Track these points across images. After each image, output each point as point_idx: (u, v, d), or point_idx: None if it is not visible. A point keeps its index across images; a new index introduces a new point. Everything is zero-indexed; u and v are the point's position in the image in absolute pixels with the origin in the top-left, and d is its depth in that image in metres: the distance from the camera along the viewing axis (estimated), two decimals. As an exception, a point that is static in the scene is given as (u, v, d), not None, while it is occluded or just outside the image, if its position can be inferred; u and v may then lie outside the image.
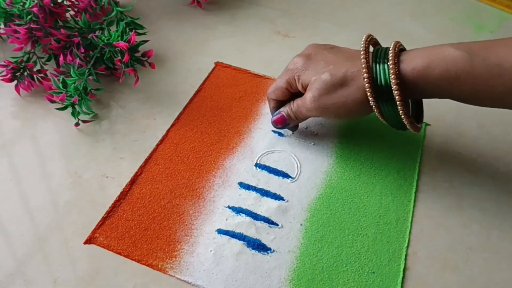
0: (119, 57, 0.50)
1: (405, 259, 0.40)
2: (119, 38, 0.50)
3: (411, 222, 0.43)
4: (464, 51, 0.37)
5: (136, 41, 0.51)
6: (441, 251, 0.41)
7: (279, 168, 0.46)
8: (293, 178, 0.46)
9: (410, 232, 0.42)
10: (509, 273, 0.40)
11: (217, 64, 0.57)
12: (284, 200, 0.44)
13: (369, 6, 0.68)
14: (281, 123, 0.47)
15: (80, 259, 0.39)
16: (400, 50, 0.40)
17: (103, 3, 0.55)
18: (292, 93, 0.46)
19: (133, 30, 0.54)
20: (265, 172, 0.46)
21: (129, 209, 0.43)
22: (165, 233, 0.41)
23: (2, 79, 0.51)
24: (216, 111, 0.52)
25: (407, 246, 0.41)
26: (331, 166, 0.47)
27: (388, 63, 0.39)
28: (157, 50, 0.58)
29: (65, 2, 0.55)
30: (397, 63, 0.38)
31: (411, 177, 0.46)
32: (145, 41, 0.55)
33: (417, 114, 0.44)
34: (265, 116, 0.51)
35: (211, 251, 0.40)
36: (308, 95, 0.42)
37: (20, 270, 0.38)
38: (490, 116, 0.52)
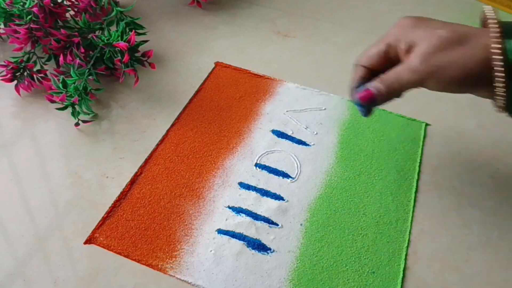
0: (119, 57, 0.50)
1: (405, 259, 0.40)
2: (119, 38, 0.50)
3: (411, 222, 0.43)
4: None
5: (136, 41, 0.51)
6: (441, 251, 0.41)
7: (279, 168, 0.46)
8: (293, 178, 0.46)
9: (410, 232, 0.42)
10: (509, 273, 0.40)
11: (217, 64, 0.57)
12: (284, 200, 0.44)
13: (369, 6, 0.68)
14: (367, 100, 0.37)
15: (80, 259, 0.39)
16: None
17: (103, 3, 0.55)
18: (387, 65, 0.37)
19: (133, 30, 0.54)
20: (265, 172, 0.46)
21: (129, 209, 0.43)
22: (165, 233, 0.41)
23: (2, 79, 0.51)
24: (216, 111, 0.52)
25: (407, 246, 0.41)
26: (331, 166, 0.47)
27: None
28: (157, 50, 0.58)
29: (65, 2, 0.55)
30: None
31: (411, 177, 0.46)
32: (145, 41, 0.55)
33: None
34: (265, 116, 0.51)
35: (211, 251, 0.40)
36: (417, 52, 0.34)
37: (20, 270, 0.38)
38: (490, 116, 0.52)
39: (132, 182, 0.45)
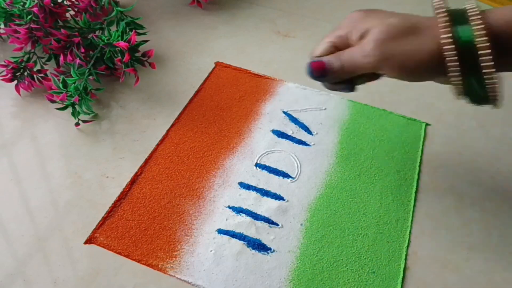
0: (119, 57, 0.50)
1: (405, 259, 0.40)
2: (119, 38, 0.50)
3: (411, 222, 0.43)
4: None
5: (136, 41, 0.51)
6: (441, 251, 0.41)
7: (279, 168, 0.46)
8: (293, 178, 0.46)
9: (410, 232, 0.42)
10: (509, 273, 0.40)
11: (217, 64, 0.57)
12: (284, 200, 0.44)
13: (369, 6, 0.68)
14: (318, 71, 0.37)
15: (80, 259, 0.39)
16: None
17: (103, 3, 0.55)
18: None
19: (133, 30, 0.54)
20: (265, 172, 0.46)
21: (129, 209, 0.43)
22: (165, 233, 0.41)
23: (2, 79, 0.51)
24: (216, 111, 0.52)
25: (407, 246, 0.41)
26: (331, 166, 0.47)
27: (469, 14, 0.32)
28: (157, 50, 0.58)
29: (65, 2, 0.55)
30: (482, 16, 0.31)
31: (411, 177, 0.46)
32: (145, 41, 0.55)
33: None
34: (265, 116, 0.51)
35: (211, 251, 0.40)
36: (370, 38, 0.34)
37: (20, 270, 0.38)
38: (490, 116, 0.52)
39: (132, 182, 0.45)
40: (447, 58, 0.32)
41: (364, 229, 0.42)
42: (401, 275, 0.39)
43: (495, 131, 0.51)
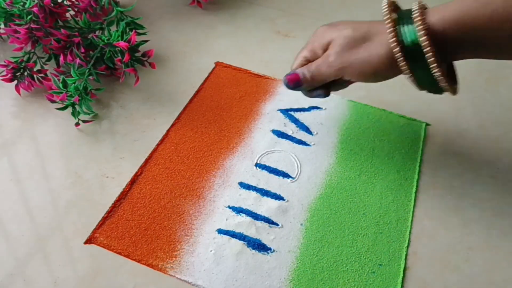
0: (119, 57, 0.50)
1: (405, 259, 0.40)
2: (120, 37, 0.50)
3: (411, 222, 0.43)
4: None
5: (136, 41, 0.51)
6: (441, 251, 0.41)
7: (279, 168, 0.46)
8: (293, 178, 0.46)
9: (410, 232, 0.42)
10: (509, 273, 0.40)
11: (217, 64, 0.57)
12: (284, 200, 0.44)
13: (369, 6, 0.68)
14: (294, 83, 0.42)
15: (80, 259, 0.39)
16: (424, 7, 0.37)
17: (103, 3, 0.55)
18: None
19: (133, 30, 0.54)
20: (265, 172, 0.46)
21: (129, 209, 0.43)
22: (165, 233, 0.41)
23: (2, 79, 0.51)
24: (216, 111, 0.52)
25: (407, 246, 0.41)
26: (331, 166, 0.47)
27: (413, 15, 0.35)
28: (157, 50, 0.58)
29: (65, 2, 0.55)
30: (424, 15, 0.35)
31: (411, 177, 0.46)
32: (145, 41, 0.55)
33: (449, 75, 0.39)
34: (265, 116, 0.51)
35: (211, 251, 0.40)
36: (330, 51, 0.40)
37: (20, 270, 0.38)
38: (490, 116, 0.52)
39: (132, 182, 0.45)
40: (397, 60, 0.36)
41: (364, 229, 0.42)
42: (401, 275, 0.39)
43: (495, 131, 0.51)
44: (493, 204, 0.44)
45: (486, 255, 0.41)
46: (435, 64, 0.35)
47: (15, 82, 0.51)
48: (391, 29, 0.36)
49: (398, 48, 0.35)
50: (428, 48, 0.34)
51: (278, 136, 0.49)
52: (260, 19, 0.64)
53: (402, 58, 0.36)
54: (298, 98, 0.53)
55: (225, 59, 0.58)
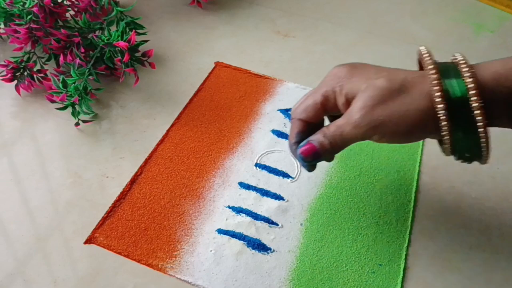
0: (119, 57, 0.50)
1: (405, 259, 0.40)
2: (119, 37, 0.50)
3: (411, 222, 0.43)
4: None
5: (136, 41, 0.51)
6: (441, 251, 0.41)
7: (279, 168, 0.46)
8: (293, 178, 0.46)
9: (410, 232, 0.42)
10: (509, 273, 0.40)
11: (217, 64, 0.57)
12: (284, 199, 0.44)
13: (369, 6, 0.68)
14: (310, 155, 0.34)
15: (80, 259, 0.39)
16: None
17: (103, 3, 0.55)
18: (325, 115, 0.36)
19: (133, 30, 0.54)
20: (265, 172, 0.46)
21: (129, 209, 0.43)
22: (165, 233, 0.41)
23: (2, 79, 0.51)
24: (216, 111, 0.52)
25: (407, 246, 0.41)
26: (331, 166, 0.47)
27: (461, 69, 0.31)
28: (157, 50, 0.58)
29: (65, 2, 0.55)
30: (473, 68, 0.31)
31: (411, 177, 0.46)
32: (145, 41, 0.55)
33: None
34: (265, 116, 0.51)
35: (211, 251, 0.40)
36: (357, 106, 0.32)
37: (20, 270, 0.38)
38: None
39: (132, 182, 0.45)
40: (440, 117, 0.30)
41: (364, 229, 0.42)
42: (401, 275, 0.39)
43: (495, 131, 0.51)
44: (493, 204, 0.44)
45: (486, 255, 0.41)
46: (482, 123, 0.30)
47: (15, 82, 0.51)
48: (437, 80, 0.30)
49: (442, 104, 0.30)
50: (477, 104, 0.30)
51: (278, 136, 0.49)
52: (260, 19, 0.64)
53: (444, 114, 0.30)
54: (298, 98, 0.53)
55: (225, 59, 0.58)
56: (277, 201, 0.44)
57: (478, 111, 0.30)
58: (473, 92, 0.30)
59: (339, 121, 0.33)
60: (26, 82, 0.51)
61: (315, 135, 0.34)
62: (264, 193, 0.44)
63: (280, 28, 0.63)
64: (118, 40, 0.50)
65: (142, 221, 0.42)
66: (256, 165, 0.47)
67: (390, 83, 0.32)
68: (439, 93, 0.30)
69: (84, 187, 0.44)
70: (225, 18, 0.64)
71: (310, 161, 0.35)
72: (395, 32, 0.63)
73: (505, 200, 0.44)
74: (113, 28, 0.55)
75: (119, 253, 0.39)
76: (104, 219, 0.42)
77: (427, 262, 0.40)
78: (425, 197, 0.45)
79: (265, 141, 0.49)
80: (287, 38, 0.62)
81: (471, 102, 0.30)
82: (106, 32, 0.52)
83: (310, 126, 0.36)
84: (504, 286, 0.39)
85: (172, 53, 0.58)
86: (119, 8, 0.55)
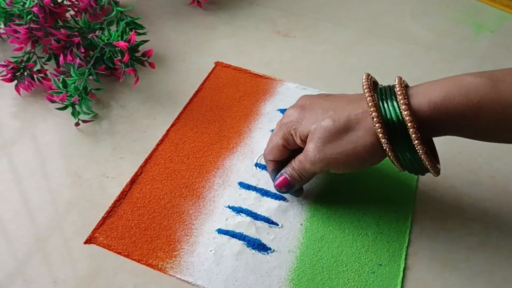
0: (119, 57, 0.50)
1: (405, 259, 0.40)
2: (119, 37, 0.50)
3: (411, 222, 0.43)
4: (485, 78, 0.33)
5: (136, 41, 0.51)
6: (441, 251, 0.41)
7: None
8: (293, 178, 0.46)
9: (410, 232, 0.42)
10: (509, 273, 0.40)
11: (217, 64, 0.57)
12: (284, 199, 0.44)
13: (369, 6, 0.68)
14: (284, 186, 0.41)
15: (80, 259, 0.39)
16: (406, 85, 0.37)
17: (103, 3, 0.55)
18: (291, 151, 0.41)
19: (133, 30, 0.54)
20: (265, 172, 0.46)
21: (129, 209, 0.43)
22: (165, 233, 0.41)
23: (2, 79, 0.51)
24: (216, 111, 0.52)
25: (407, 246, 0.41)
26: (331, 166, 0.47)
27: (397, 97, 0.34)
28: (157, 50, 0.58)
29: (65, 2, 0.55)
30: (407, 96, 0.34)
31: (411, 177, 0.46)
32: (145, 41, 0.55)
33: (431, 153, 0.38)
34: (265, 116, 0.51)
35: (211, 250, 0.40)
36: (310, 147, 0.37)
37: (20, 270, 0.38)
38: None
39: (132, 182, 0.45)
40: (382, 143, 0.35)
41: (364, 229, 0.42)
42: (401, 275, 0.39)
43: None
44: (493, 204, 0.44)
45: (486, 255, 0.41)
46: (421, 145, 0.34)
47: (15, 82, 0.51)
48: (375, 113, 0.35)
49: (382, 131, 0.34)
50: (412, 127, 0.34)
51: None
52: (260, 19, 0.64)
53: (385, 140, 0.35)
54: (298, 98, 0.53)
55: (225, 59, 0.58)
56: (277, 201, 0.44)
57: (414, 135, 0.34)
58: (406, 116, 0.34)
59: (300, 157, 0.39)
60: (26, 82, 0.51)
61: (285, 168, 0.41)
62: (264, 193, 0.44)
63: (280, 28, 0.63)
64: (118, 40, 0.50)
65: (142, 221, 0.42)
66: (256, 165, 0.47)
67: (335, 123, 0.36)
68: (380, 129, 0.34)
69: (84, 187, 0.44)
70: (225, 18, 0.64)
71: (285, 191, 0.42)
72: (395, 32, 0.63)
73: (505, 200, 0.44)
74: (113, 28, 0.55)
75: (119, 253, 0.39)
76: (104, 219, 0.42)
77: (427, 262, 0.40)
78: (425, 197, 0.45)
79: (265, 141, 0.49)
80: (287, 38, 0.62)
81: (407, 126, 0.34)
82: (106, 32, 0.52)
83: (281, 162, 0.42)
84: (504, 286, 0.39)
85: (172, 53, 0.58)
86: (119, 8, 0.55)
